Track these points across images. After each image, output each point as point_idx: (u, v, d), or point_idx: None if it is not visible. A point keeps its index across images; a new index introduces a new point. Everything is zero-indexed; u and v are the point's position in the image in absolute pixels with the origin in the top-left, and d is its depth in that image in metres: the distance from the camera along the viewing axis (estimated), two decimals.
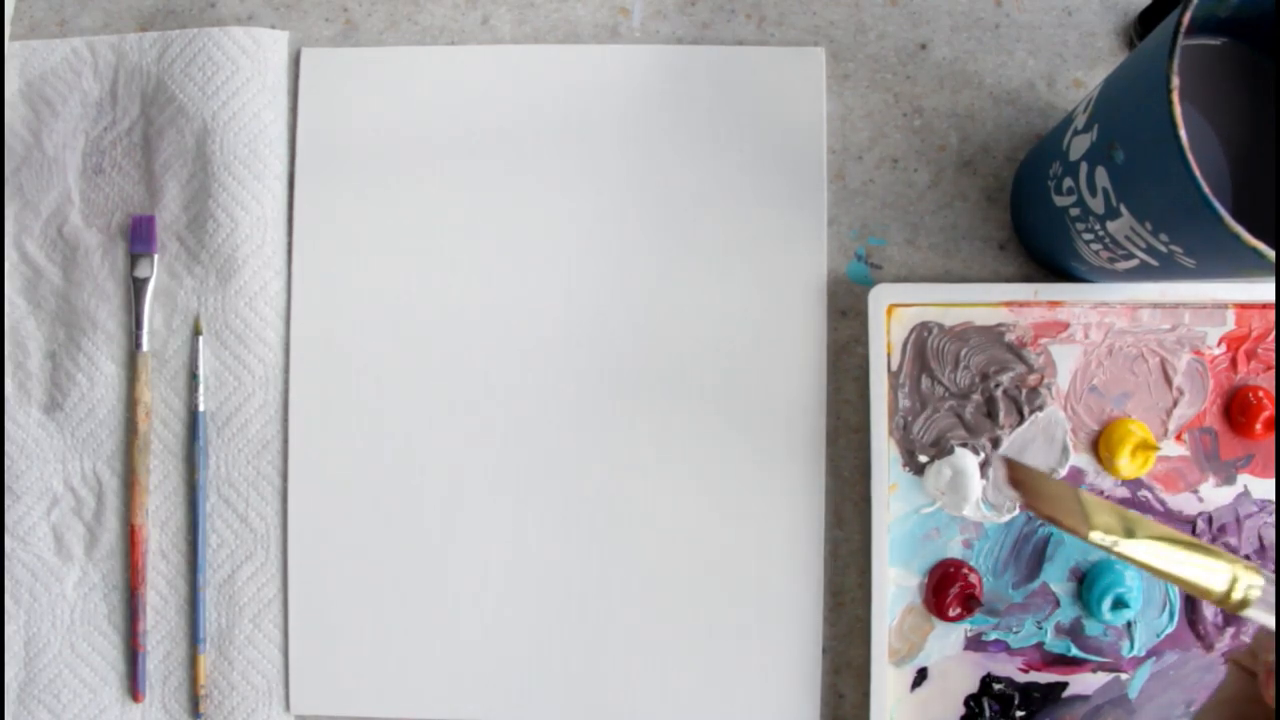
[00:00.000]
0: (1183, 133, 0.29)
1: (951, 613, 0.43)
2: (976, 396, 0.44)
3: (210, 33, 0.46)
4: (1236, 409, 0.44)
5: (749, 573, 0.45)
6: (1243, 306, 0.44)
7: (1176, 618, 0.44)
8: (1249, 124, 0.36)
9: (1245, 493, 0.44)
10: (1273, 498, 0.44)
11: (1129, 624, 0.44)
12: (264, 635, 0.45)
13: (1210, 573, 0.33)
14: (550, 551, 0.45)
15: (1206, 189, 0.29)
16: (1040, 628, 0.44)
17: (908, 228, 0.46)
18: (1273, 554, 0.44)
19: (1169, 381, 0.44)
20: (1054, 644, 0.44)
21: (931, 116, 0.46)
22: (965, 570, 0.43)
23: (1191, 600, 0.44)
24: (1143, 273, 0.38)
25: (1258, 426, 0.43)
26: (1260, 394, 0.44)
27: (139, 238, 0.46)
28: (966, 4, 0.46)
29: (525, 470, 0.45)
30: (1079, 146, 0.36)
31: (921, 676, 0.44)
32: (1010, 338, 0.44)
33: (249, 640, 0.45)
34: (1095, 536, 0.34)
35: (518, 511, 0.45)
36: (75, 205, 0.46)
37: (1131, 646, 0.44)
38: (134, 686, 0.45)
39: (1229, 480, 0.44)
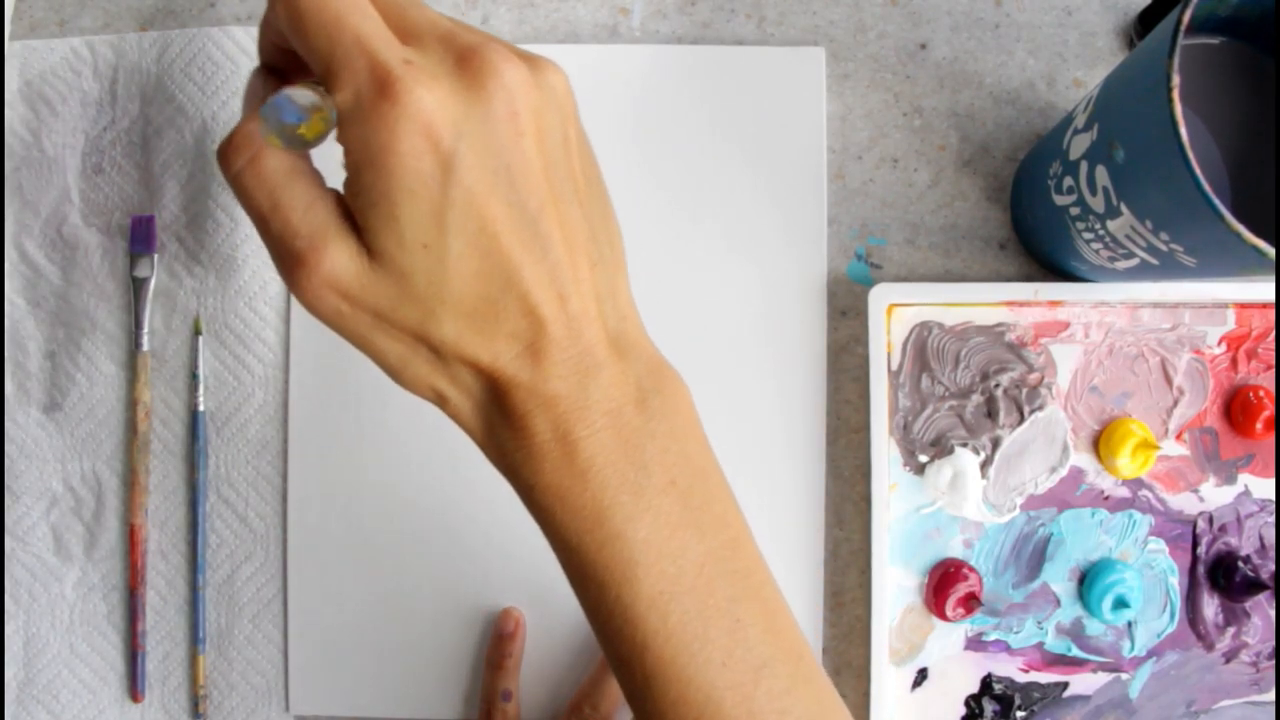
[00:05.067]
0: (1183, 131, 0.29)
1: (952, 613, 0.43)
2: (977, 396, 0.44)
3: (210, 32, 0.46)
4: (1237, 408, 0.44)
5: None
6: (1243, 306, 0.44)
7: (1177, 618, 0.44)
8: (1249, 123, 0.36)
9: (1246, 492, 0.44)
10: (1273, 497, 0.44)
11: (1129, 624, 0.44)
12: (263, 635, 0.45)
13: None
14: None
15: (1207, 187, 0.29)
16: (1041, 627, 0.44)
17: (908, 227, 0.46)
18: (1273, 554, 0.44)
19: (1169, 381, 0.44)
20: (1054, 644, 0.44)
21: (931, 116, 0.46)
22: (966, 570, 0.43)
23: (1192, 600, 0.44)
24: (1143, 272, 0.38)
25: (1258, 426, 0.43)
26: (1260, 393, 0.44)
27: (139, 237, 0.46)
28: (966, 4, 0.46)
29: None
30: (1079, 146, 0.36)
31: (922, 676, 0.44)
32: (1010, 337, 0.44)
33: (248, 640, 0.45)
34: None
35: (519, 511, 0.45)
36: (75, 205, 0.46)
37: (1132, 646, 0.44)
38: (133, 687, 0.45)
39: (1229, 480, 0.44)
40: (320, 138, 0.26)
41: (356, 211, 0.26)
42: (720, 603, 0.28)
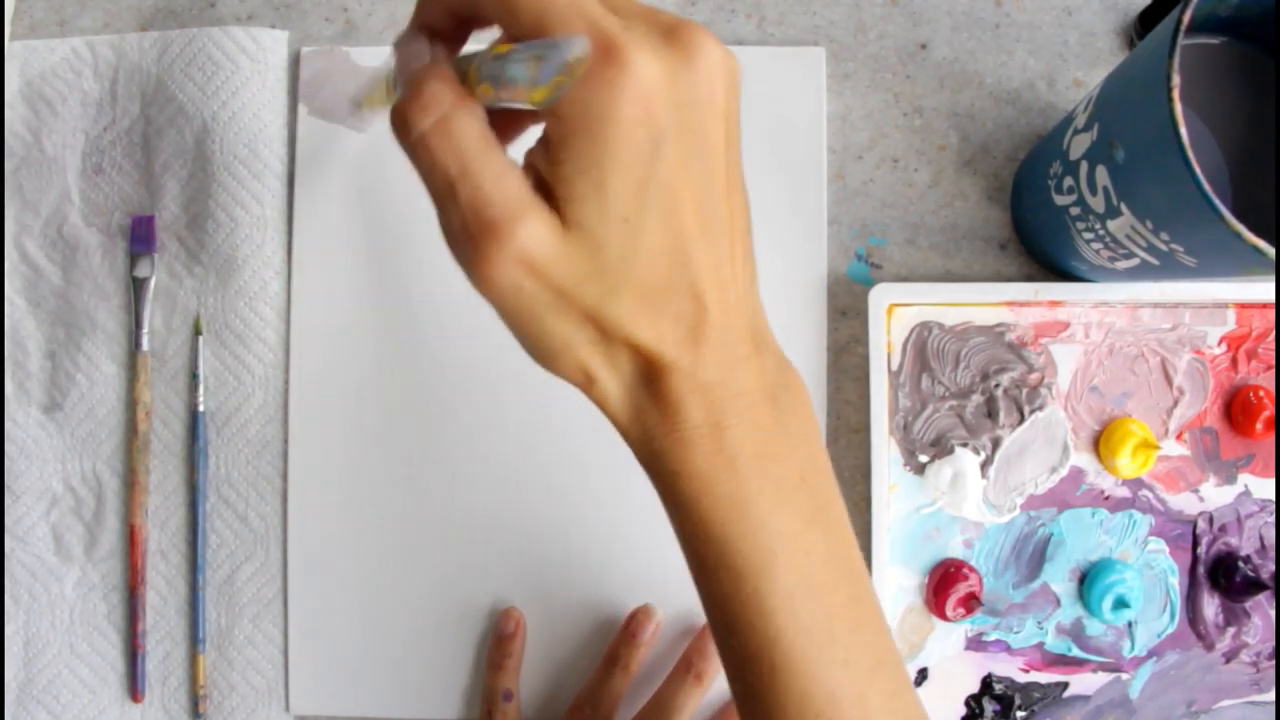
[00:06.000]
0: (1183, 131, 0.29)
1: (952, 613, 0.43)
2: (977, 396, 0.44)
3: (210, 32, 0.46)
4: (1237, 408, 0.44)
5: None
6: (1243, 306, 0.44)
7: (1177, 618, 0.44)
8: (1249, 123, 0.36)
9: (1246, 492, 0.44)
10: (1273, 497, 0.44)
11: (1129, 624, 0.44)
12: (264, 635, 0.45)
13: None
14: (552, 549, 0.45)
15: (1207, 187, 0.29)
16: (1041, 628, 0.44)
17: (908, 227, 0.46)
18: (1273, 554, 0.44)
19: (1169, 381, 0.44)
20: (1055, 644, 0.44)
21: (931, 116, 0.46)
22: (966, 570, 0.43)
23: (1192, 600, 0.44)
24: (1143, 272, 0.38)
25: (1258, 426, 0.43)
26: (1261, 393, 0.44)
27: (139, 237, 0.46)
28: (966, 4, 0.46)
29: (526, 470, 0.45)
30: (1079, 146, 0.36)
31: (922, 676, 0.44)
32: (1011, 337, 0.44)
33: (249, 640, 0.45)
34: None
35: (519, 510, 0.45)
36: (75, 205, 0.46)
37: (1132, 646, 0.44)
38: (134, 687, 0.45)
39: (1230, 480, 0.44)
40: (546, 102, 0.24)
41: (559, 180, 0.25)
42: (843, 601, 0.28)
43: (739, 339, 0.27)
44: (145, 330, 0.46)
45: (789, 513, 0.28)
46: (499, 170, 0.25)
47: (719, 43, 0.25)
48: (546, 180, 0.25)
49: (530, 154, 0.26)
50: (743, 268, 0.27)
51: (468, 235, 0.25)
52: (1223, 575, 0.43)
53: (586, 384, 0.28)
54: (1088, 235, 0.38)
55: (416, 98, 0.25)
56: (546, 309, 0.26)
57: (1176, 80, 0.30)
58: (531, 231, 0.24)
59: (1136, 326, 0.44)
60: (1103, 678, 0.44)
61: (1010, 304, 0.44)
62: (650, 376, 0.27)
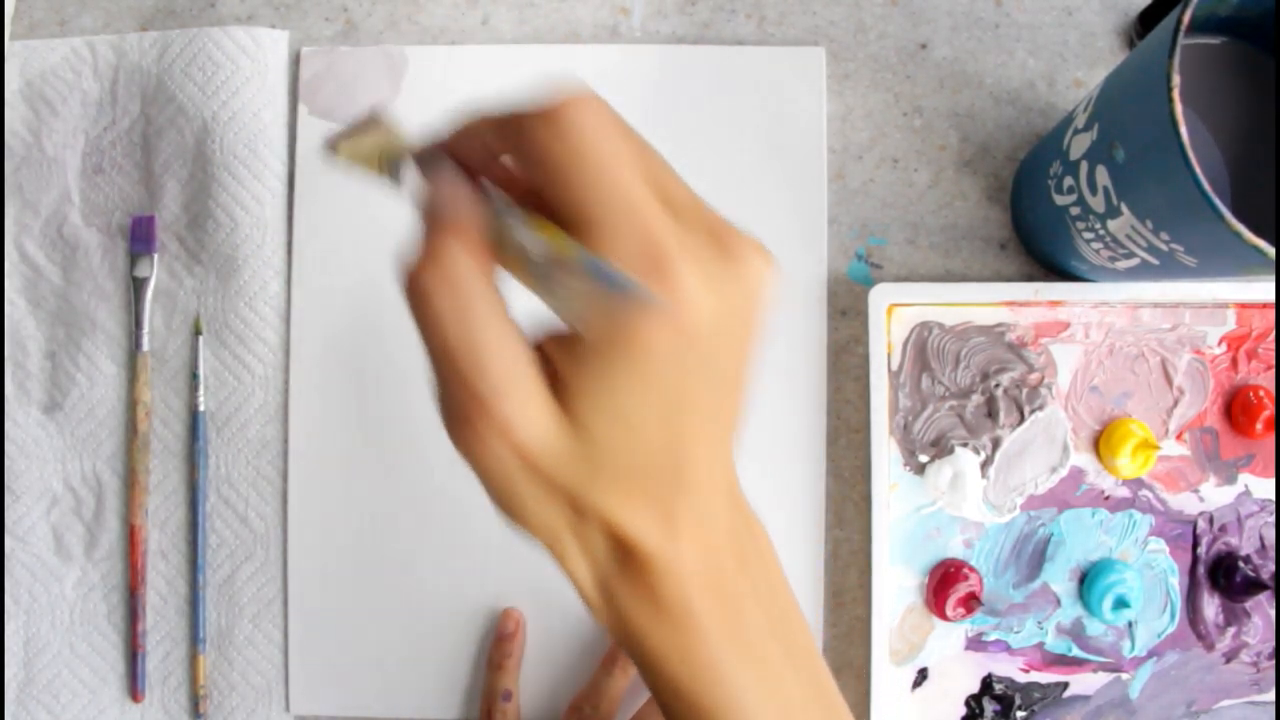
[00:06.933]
0: (1183, 131, 0.29)
1: (952, 613, 0.43)
2: (977, 396, 0.44)
3: (210, 32, 0.46)
4: (1237, 408, 0.44)
5: None
6: (1243, 306, 0.44)
7: (1177, 618, 0.44)
8: (1249, 123, 0.36)
9: (1246, 492, 0.44)
10: (1273, 497, 0.44)
11: (1130, 624, 0.44)
12: (264, 635, 0.45)
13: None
14: None
15: (1207, 187, 0.29)
16: (1041, 627, 0.44)
17: (908, 227, 0.46)
18: (1273, 554, 0.44)
19: (1169, 381, 0.44)
20: (1055, 644, 0.44)
21: (931, 116, 0.46)
22: (966, 570, 0.43)
23: (1192, 600, 0.44)
24: (1143, 272, 0.38)
25: (1258, 426, 0.43)
26: (1261, 393, 0.44)
27: (139, 237, 0.46)
28: (966, 4, 0.46)
29: None
30: (1079, 145, 0.36)
31: (922, 676, 0.44)
32: (1011, 337, 0.44)
33: (249, 640, 0.45)
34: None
35: None
36: (75, 205, 0.46)
37: (1132, 646, 0.44)
38: (133, 686, 0.45)
39: (1230, 480, 0.44)
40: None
41: (572, 374, 0.23)
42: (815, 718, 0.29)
43: (719, 511, 0.27)
44: (145, 330, 0.46)
45: (755, 664, 0.28)
46: (502, 341, 0.23)
47: (762, 249, 0.24)
48: (557, 366, 0.23)
49: (548, 337, 0.24)
50: (728, 442, 0.26)
51: (455, 403, 0.24)
52: (1223, 575, 0.43)
53: (554, 549, 0.27)
54: (1088, 235, 0.38)
55: (435, 265, 0.23)
56: (523, 485, 0.24)
57: (1176, 80, 0.30)
58: (523, 413, 0.23)
59: (1136, 326, 0.44)
60: (1103, 678, 0.44)
61: (1010, 304, 0.44)
62: (625, 558, 0.26)
